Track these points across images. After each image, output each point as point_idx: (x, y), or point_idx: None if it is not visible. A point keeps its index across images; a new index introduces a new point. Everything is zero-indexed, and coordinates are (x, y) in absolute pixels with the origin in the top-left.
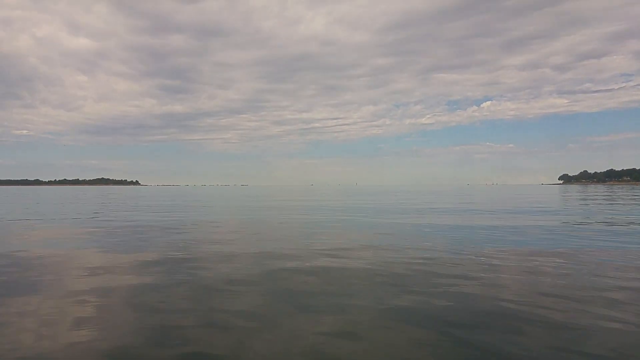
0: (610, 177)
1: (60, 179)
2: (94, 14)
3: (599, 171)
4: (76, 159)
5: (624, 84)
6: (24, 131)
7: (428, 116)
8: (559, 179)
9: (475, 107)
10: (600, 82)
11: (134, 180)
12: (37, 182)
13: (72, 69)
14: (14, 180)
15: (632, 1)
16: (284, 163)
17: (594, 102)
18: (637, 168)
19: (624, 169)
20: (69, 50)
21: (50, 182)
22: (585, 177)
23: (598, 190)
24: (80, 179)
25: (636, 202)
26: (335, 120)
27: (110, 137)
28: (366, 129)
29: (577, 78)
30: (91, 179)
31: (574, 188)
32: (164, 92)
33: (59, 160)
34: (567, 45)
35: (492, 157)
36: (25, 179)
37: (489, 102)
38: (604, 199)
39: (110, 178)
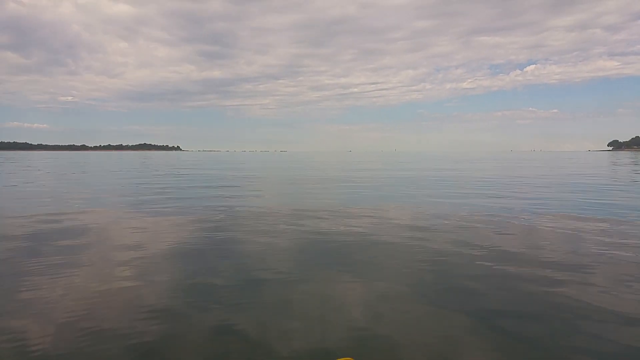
0: None
1: (105, 144)
2: None
3: None
4: (119, 124)
5: None
6: (69, 97)
7: (469, 80)
8: (608, 145)
9: (518, 71)
10: None
11: (176, 146)
12: (83, 148)
13: (113, 36)
14: (61, 145)
15: None
16: (322, 129)
17: None
18: None
19: None
20: (109, 17)
21: (95, 148)
22: (637, 143)
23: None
24: (124, 145)
25: None
26: (373, 85)
27: (152, 103)
28: (405, 93)
29: (631, 39)
30: (134, 144)
31: (625, 155)
32: (203, 58)
33: (103, 125)
34: (620, 3)
35: (535, 123)
36: (72, 144)
37: (533, 66)
38: None
39: (153, 144)
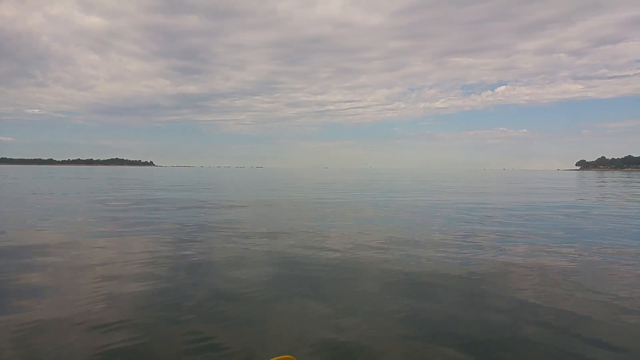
0: (629, 163)
1: (74, 158)
2: None
3: (616, 157)
4: (90, 138)
5: (639, 70)
6: (37, 110)
7: (442, 100)
8: (576, 165)
9: (489, 92)
10: (616, 68)
11: (148, 161)
12: (50, 162)
13: (84, 48)
14: (27, 159)
15: None
16: (298, 145)
17: (609, 88)
18: None
19: None
20: (81, 29)
21: (64, 162)
22: (602, 163)
23: (615, 176)
24: (94, 159)
25: None
26: (349, 103)
27: (124, 118)
28: (380, 112)
29: (593, 64)
30: (105, 159)
31: (592, 174)
32: (177, 73)
33: (73, 139)
34: (583, 30)
35: (506, 142)
36: (38, 158)
37: (503, 87)
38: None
39: (125, 158)
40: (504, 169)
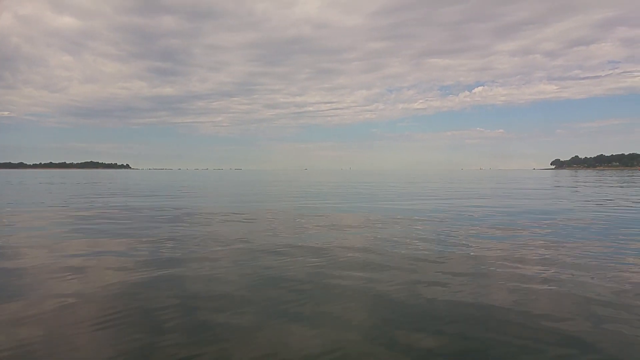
0: (601, 162)
1: (46, 162)
2: None
3: (589, 156)
4: (62, 141)
5: (610, 71)
6: (6, 112)
7: (420, 101)
8: (551, 164)
9: (467, 93)
10: (589, 69)
11: (125, 164)
12: (21, 165)
13: (56, 49)
14: None
15: None
16: (277, 147)
17: (582, 89)
18: (626, 154)
19: (613, 154)
20: (53, 30)
21: (35, 166)
22: (576, 162)
23: (589, 175)
24: (67, 162)
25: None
26: (328, 104)
27: (98, 120)
28: (359, 113)
29: (567, 65)
30: (79, 162)
31: (566, 173)
32: (154, 75)
33: (44, 142)
34: (557, 31)
35: (483, 142)
36: (8, 162)
37: (480, 88)
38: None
39: (100, 161)
40: (481, 169)
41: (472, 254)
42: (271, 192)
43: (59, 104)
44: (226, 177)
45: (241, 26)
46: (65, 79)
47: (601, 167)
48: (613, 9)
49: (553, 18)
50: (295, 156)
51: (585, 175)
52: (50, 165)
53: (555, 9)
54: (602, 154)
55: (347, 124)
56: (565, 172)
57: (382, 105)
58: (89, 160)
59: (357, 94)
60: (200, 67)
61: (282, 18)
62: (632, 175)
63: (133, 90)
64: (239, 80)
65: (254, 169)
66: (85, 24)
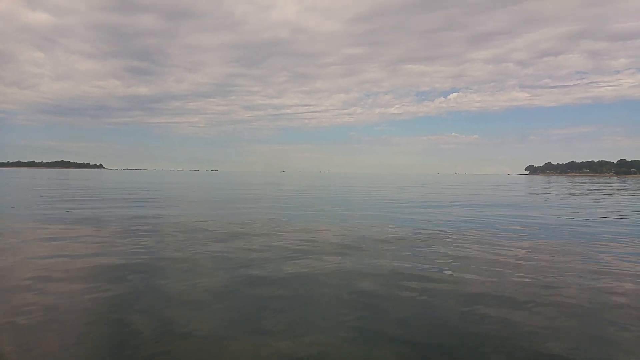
0: (572, 168)
1: (14, 160)
2: None
3: (561, 162)
4: (32, 139)
5: (578, 81)
6: None
7: (397, 106)
8: (525, 170)
9: (442, 99)
10: (558, 79)
11: (98, 164)
12: None
13: (27, 45)
14: None
15: (585, 3)
16: (255, 148)
17: (552, 97)
18: (595, 161)
19: (584, 161)
20: (25, 25)
21: (2, 164)
22: (549, 169)
23: (560, 181)
24: (36, 162)
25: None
26: (306, 107)
27: (70, 118)
28: (337, 116)
29: (537, 74)
30: (49, 161)
31: (540, 179)
32: (129, 74)
33: (12, 140)
34: (528, 42)
35: (458, 148)
36: None
37: (455, 94)
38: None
39: (71, 161)
40: (456, 174)
41: (451, 274)
42: (247, 200)
43: (29, 101)
44: (200, 179)
45: (219, 27)
46: (36, 76)
47: (572, 174)
48: (578, 23)
49: (523, 29)
50: (273, 158)
51: (560, 182)
52: (19, 164)
53: (524, 20)
54: (573, 161)
55: (325, 127)
56: (539, 178)
57: (359, 109)
58: (59, 160)
59: (335, 98)
60: (177, 67)
61: (260, 21)
62: (604, 183)
63: (107, 89)
64: (216, 81)
65: (231, 171)
66: (58, 21)
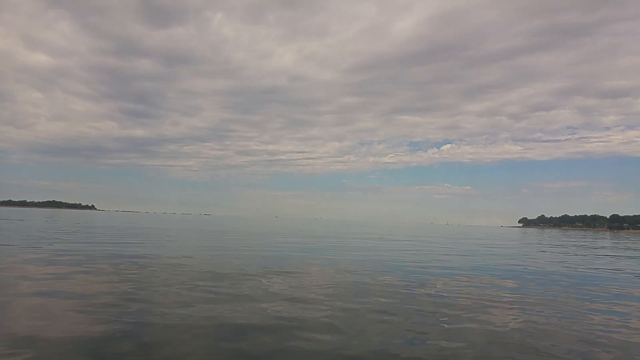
0: (565, 222)
1: (5, 199)
2: (56, 31)
3: (554, 216)
4: (24, 179)
5: (569, 136)
6: None
7: (390, 155)
8: (518, 222)
9: (435, 149)
10: (550, 133)
11: (90, 205)
12: None
13: (26, 85)
14: None
15: (576, 61)
16: (248, 193)
17: (544, 151)
18: (588, 215)
19: (577, 215)
20: (24, 66)
21: None
22: (543, 221)
23: (556, 235)
24: (27, 201)
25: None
26: (301, 154)
27: (64, 158)
28: (331, 164)
29: (530, 127)
30: (41, 201)
31: (534, 231)
32: (126, 116)
33: (4, 179)
34: (521, 96)
35: (451, 198)
36: None
37: (448, 145)
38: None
39: (63, 201)
40: (448, 224)
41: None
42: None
43: (24, 141)
44: (194, 224)
45: (217, 73)
46: (33, 116)
47: (566, 227)
48: (569, 80)
49: (516, 83)
50: (266, 203)
51: (556, 235)
52: (9, 203)
53: (518, 75)
54: (566, 214)
55: (319, 174)
56: (532, 230)
57: (353, 157)
58: (51, 200)
59: (329, 146)
60: (173, 110)
61: (258, 68)
62: (599, 238)
63: (103, 130)
64: (212, 125)
65: (224, 215)
66: (58, 62)
